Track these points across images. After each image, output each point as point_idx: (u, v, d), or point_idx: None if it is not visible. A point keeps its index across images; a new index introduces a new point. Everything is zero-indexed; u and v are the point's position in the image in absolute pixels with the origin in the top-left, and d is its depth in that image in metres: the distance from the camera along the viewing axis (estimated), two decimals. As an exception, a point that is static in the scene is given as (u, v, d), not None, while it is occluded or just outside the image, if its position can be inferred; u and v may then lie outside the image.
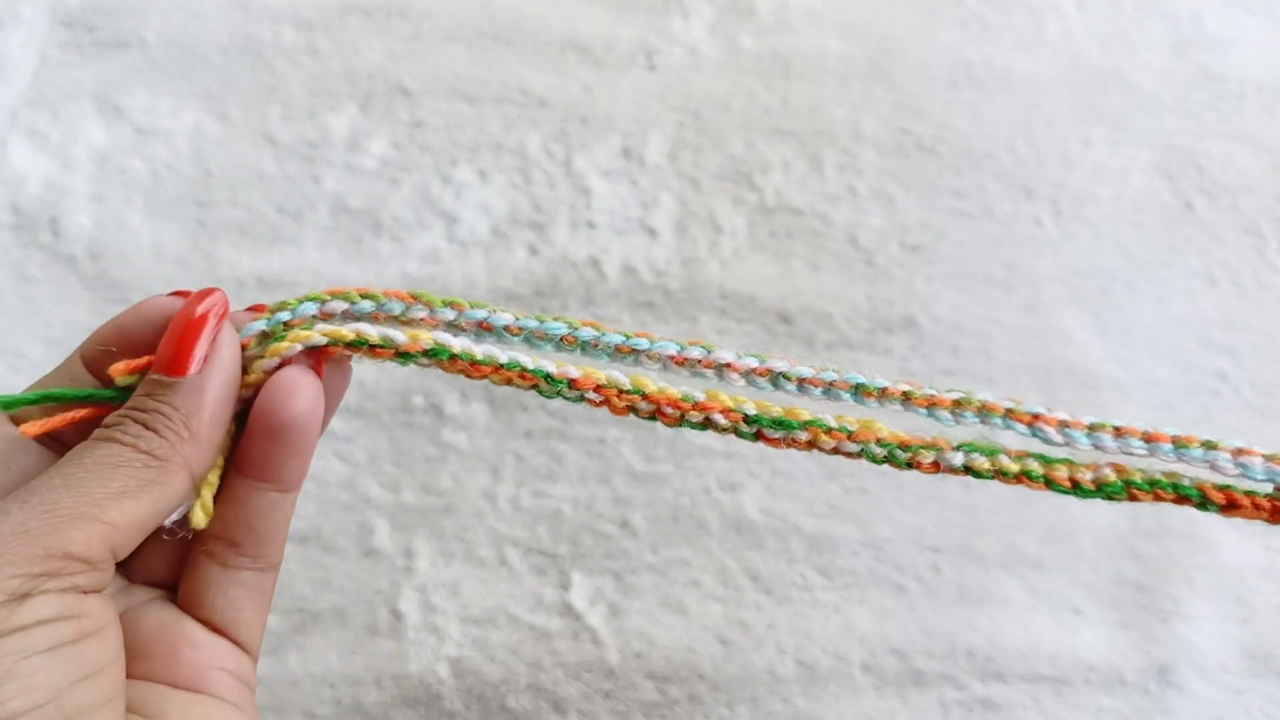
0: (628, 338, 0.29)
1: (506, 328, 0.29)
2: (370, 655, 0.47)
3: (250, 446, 0.28)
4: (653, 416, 0.29)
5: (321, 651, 0.47)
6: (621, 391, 0.29)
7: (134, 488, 0.26)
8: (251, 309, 0.30)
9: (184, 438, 0.26)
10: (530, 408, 0.52)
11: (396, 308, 0.29)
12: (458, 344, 0.28)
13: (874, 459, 0.30)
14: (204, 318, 0.27)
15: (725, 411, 0.29)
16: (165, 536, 0.28)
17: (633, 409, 0.29)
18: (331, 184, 0.58)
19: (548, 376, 0.29)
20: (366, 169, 0.58)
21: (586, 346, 0.29)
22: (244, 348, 0.28)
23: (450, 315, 0.29)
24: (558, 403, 0.52)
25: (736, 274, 0.56)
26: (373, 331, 0.28)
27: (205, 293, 0.28)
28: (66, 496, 0.25)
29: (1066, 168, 0.60)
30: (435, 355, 0.28)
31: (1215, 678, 0.48)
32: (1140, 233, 0.58)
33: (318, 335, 0.28)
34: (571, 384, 0.29)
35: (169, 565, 0.30)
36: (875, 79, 0.62)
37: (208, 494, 0.28)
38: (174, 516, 0.27)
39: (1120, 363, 0.54)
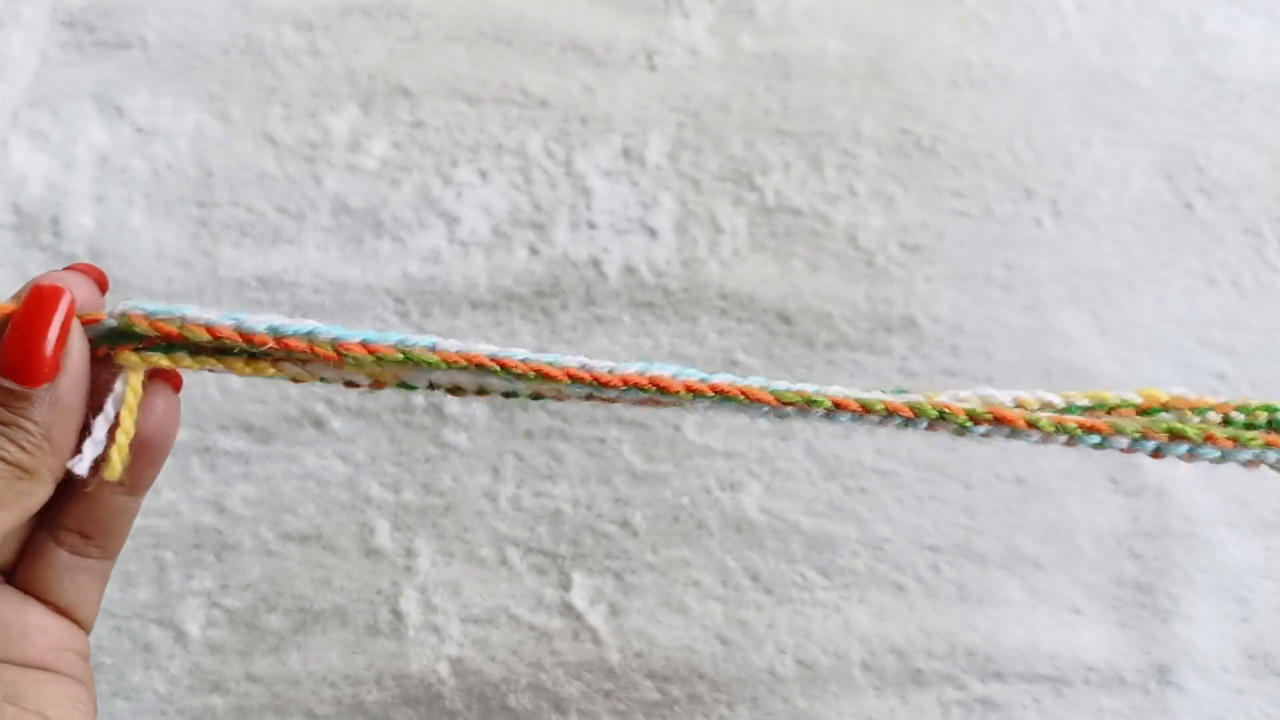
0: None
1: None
2: (371, 655, 0.47)
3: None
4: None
5: (322, 651, 0.47)
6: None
7: (15, 503, 0.26)
8: (73, 270, 0.28)
9: (46, 449, 0.27)
10: (530, 408, 0.52)
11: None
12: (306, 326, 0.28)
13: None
14: (50, 322, 0.26)
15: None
16: (82, 489, 0.28)
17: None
18: (332, 184, 0.58)
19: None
20: (367, 169, 0.58)
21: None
22: (91, 345, 0.28)
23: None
24: (558, 402, 0.52)
25: (737, 274, 0.56)
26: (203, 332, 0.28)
27: (48, 291, 0.27)
28: None
29: (1066, 168, 0.60)
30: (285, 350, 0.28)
31: (1215, 677, 0.48)
32: (1140, 233, 0.58)
33: (162, 358, 0.28)
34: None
35: (8, 551, 0.30)
36: (875, 79, 0.62)
37: (125, 441, 0.28)
38: (84, 464, 0.27)
39: (1120, 363, 0.54)
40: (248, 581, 0.48)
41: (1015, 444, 0.33)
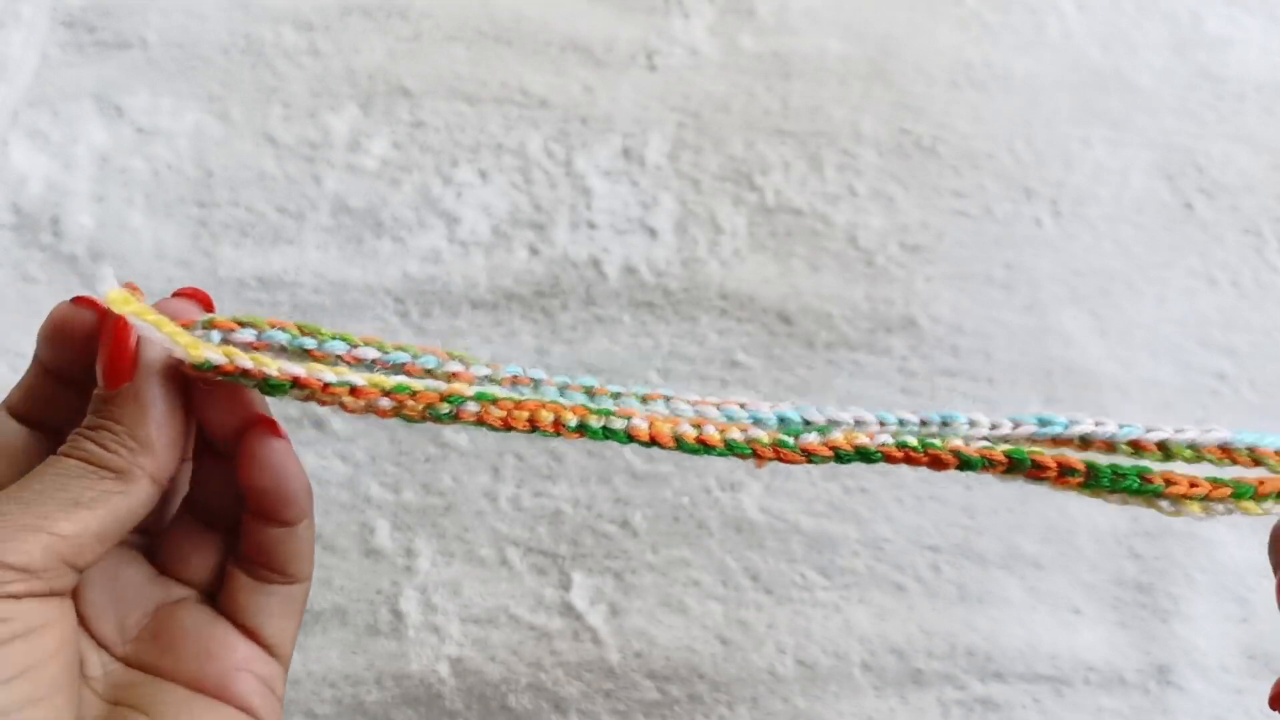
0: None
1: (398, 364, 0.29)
2: (371, 655, 0.47)
3: (250, 505, 0.30)
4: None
5: (322, 651, 0.47)
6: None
7: (89, 499, 0.26)
8: (181, 295, 0.30)
9: (133, 448, 0.27)
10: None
11: (281, 337, 0.29)
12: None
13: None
14: (116, 327, 0.28)
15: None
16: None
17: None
18: (332, 184, 0.58)
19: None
20: (367, 169, 0.58)
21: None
22: (186, 327, 0.29)
23: (340, 349, 0.29)
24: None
25: (736, 274, 0.56)
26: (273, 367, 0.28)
27: (108, 306, 0.28)
28: (15, 509, 0.26)
29: (1066, 168, 0.60)
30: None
31: (1215, 677, 0.48)
32: (1140, 233, 0.58)
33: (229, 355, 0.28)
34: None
35: (209, 569, 0.31)
36: (875, 79, 0.62)
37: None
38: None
39: (1120, 363, 0.54)
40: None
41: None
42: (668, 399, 0.30)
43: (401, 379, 0.29)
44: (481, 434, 0.51)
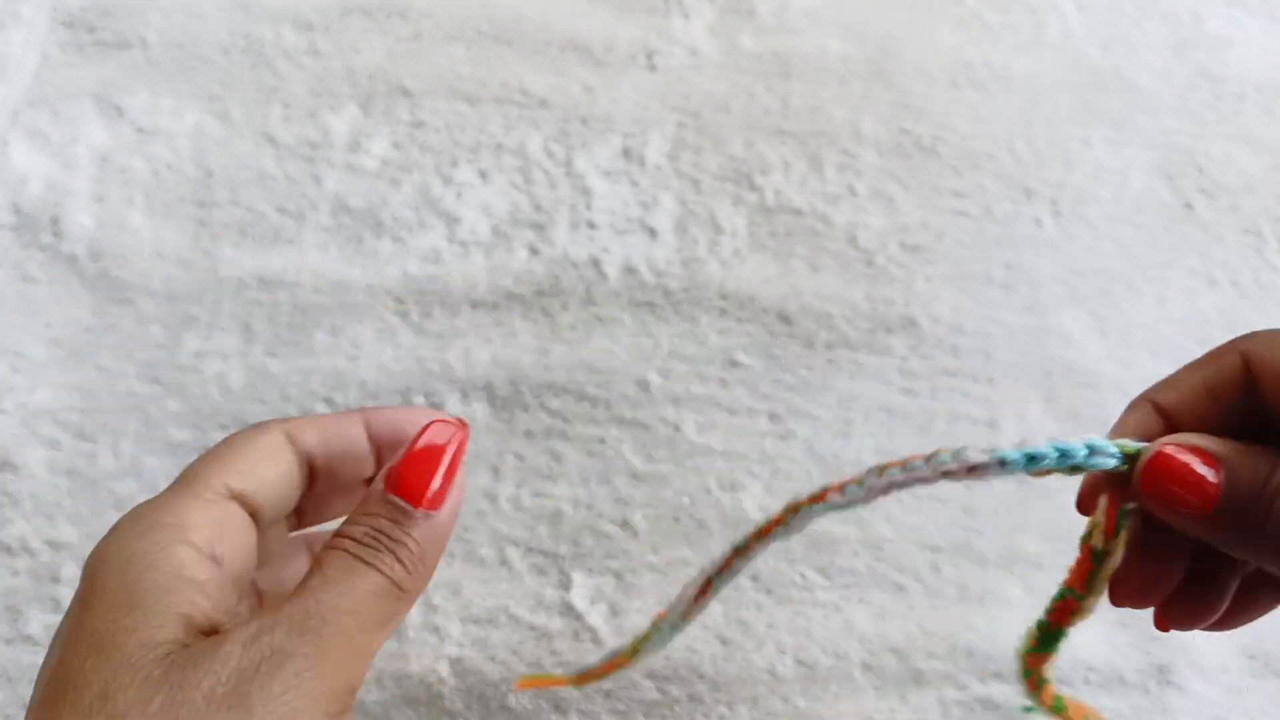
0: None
1: None
2: (371, 655, 0.47)
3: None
4: None
5: (322, 651, 0.47)
6: None
7: (390, 622, 0.26)
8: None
9: (420, 572, 0.27)
10: (530, 407, 0.52)
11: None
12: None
13: None
14: (451, 452, 0.28)
15: None
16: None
17: None
18: (332, 184, 0.58)
19: None
20: (367, 169, 0.58)
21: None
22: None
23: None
24: (558, 402, 0.52)
25: (736, 274, 0.56)
26: None
27: (453, 424, 0.28)
28: (354, 629, 0.25)
29: (1066, 168, 0.60)
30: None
31: (1215, 677, 0.48)
32: (1140, 233, 0.58)
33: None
34: None
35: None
36: (875, 79, 0.62)
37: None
38: None
39: (1120, 363, 0.54)
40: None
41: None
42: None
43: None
44: (482, 434, 0.51)
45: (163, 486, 0.52)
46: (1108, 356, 0.54)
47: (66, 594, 0.47)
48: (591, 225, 0.57)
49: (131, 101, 0.60)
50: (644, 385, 0.52)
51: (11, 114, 0.59)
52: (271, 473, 0.29)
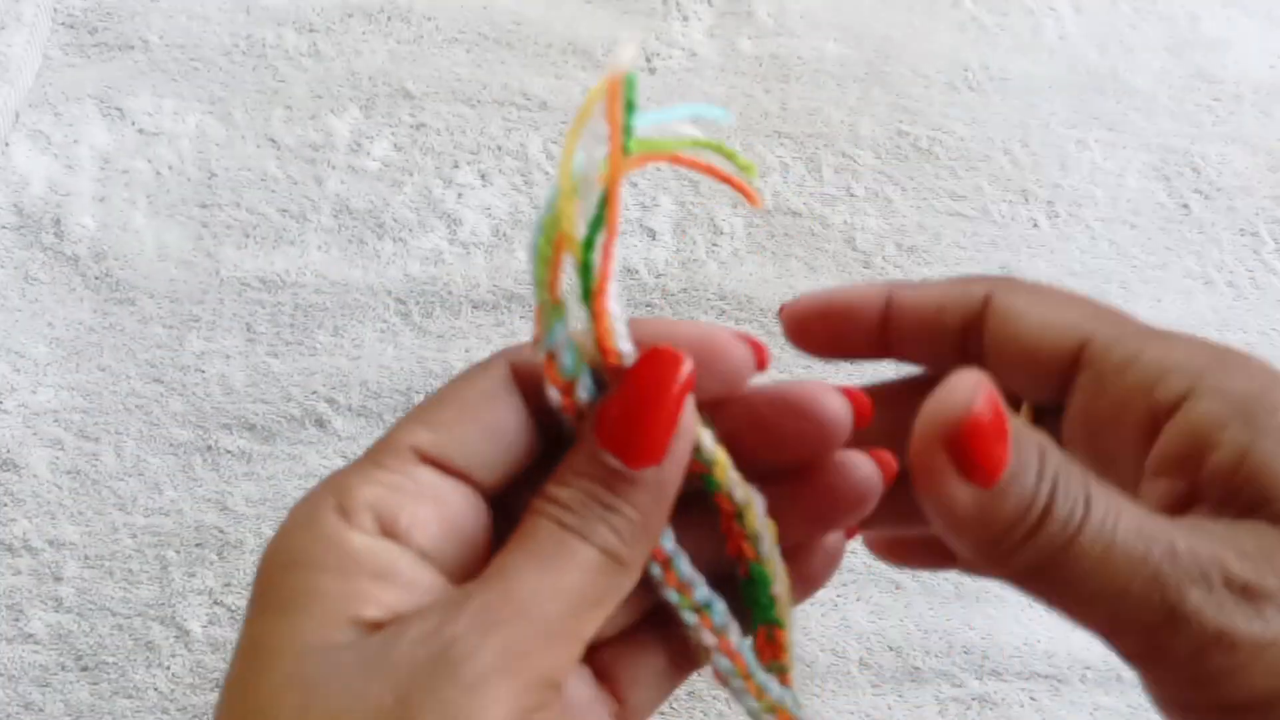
0: None
1: None
2: (372, 653, 0.47)
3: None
4: None
5: (323, 649, 0.47)
6: None
7: (606, 600, 0.23)
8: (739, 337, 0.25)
9: (641, 540, 0.23)
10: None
11: None
12: None
13: None
14: (679, 400, 0.22)
15: None
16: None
17: None
18: (334, 186, 0.58)
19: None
20: (369, 171, 0.58)
21: None
22: None
23: None
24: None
25: (735, 275, 0.56)
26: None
27: (667, 358, 0.23)
28: (558, 614, 0.21)
29: (1063, 169, 0.60)
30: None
31: (1210, 675, 0.48)
32: (1136, 234, 0.59)
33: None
34: None
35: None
36: (873, 82, 0.63)
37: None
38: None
39: (1117, 363, 0.55)
40: (250, 580, 0.48)
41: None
42: None
43: None
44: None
45: (165, 486, 0.52)
46: (1104, 357, 0.55)
47: (68, 593, 0.47)
48: (591, 226, 0.57)
49: (133, 103, 0.60)
50: (643, 385, 0.53)
51: (13, 115, 0.59)
52: (475, 427, 0.23)
